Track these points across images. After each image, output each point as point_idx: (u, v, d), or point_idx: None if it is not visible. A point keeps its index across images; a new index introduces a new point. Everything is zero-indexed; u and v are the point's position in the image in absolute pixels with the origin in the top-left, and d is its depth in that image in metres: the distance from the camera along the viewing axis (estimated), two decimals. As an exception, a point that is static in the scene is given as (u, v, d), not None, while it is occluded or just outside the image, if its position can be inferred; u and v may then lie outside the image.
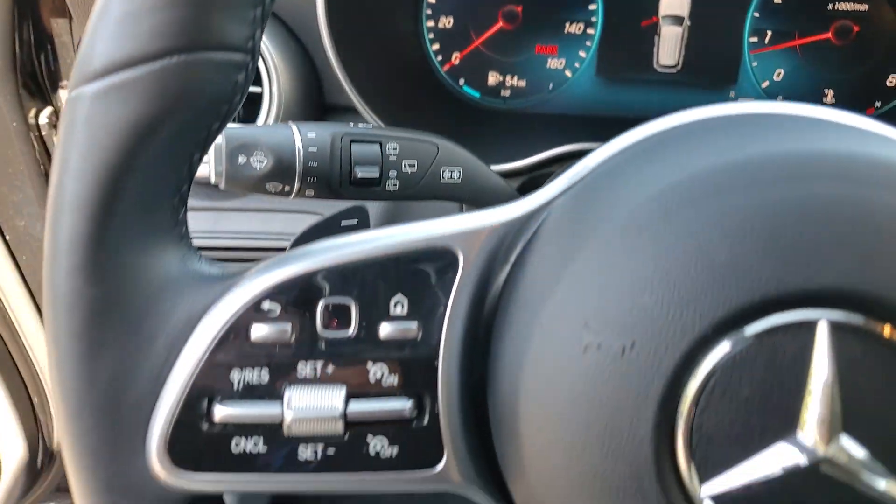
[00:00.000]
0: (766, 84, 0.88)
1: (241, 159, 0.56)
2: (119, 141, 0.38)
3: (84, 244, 0.39)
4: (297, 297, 0.42)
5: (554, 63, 0.88)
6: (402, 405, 0.43)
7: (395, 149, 0.60)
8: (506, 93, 0.89)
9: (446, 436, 0.43)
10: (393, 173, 0.60)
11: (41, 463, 1.31)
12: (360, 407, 0.42)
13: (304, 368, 0.42)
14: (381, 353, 0.43)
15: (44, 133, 1.17)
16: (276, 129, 0.58)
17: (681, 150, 0.41)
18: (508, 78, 0.88)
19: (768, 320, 0.36)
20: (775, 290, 0.35)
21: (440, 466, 0.44)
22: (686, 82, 0.87)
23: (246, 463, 0.43)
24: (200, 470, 0.42)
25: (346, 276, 0.43)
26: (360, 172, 0.59)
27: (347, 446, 0.43)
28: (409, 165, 0.61)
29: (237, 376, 0.42)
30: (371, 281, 0.43)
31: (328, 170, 0.58)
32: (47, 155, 1.19)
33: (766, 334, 0.36)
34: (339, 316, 0.43)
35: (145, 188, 0.40)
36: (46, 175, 1.18)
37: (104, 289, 0.40)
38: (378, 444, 0.43)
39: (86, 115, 0.38)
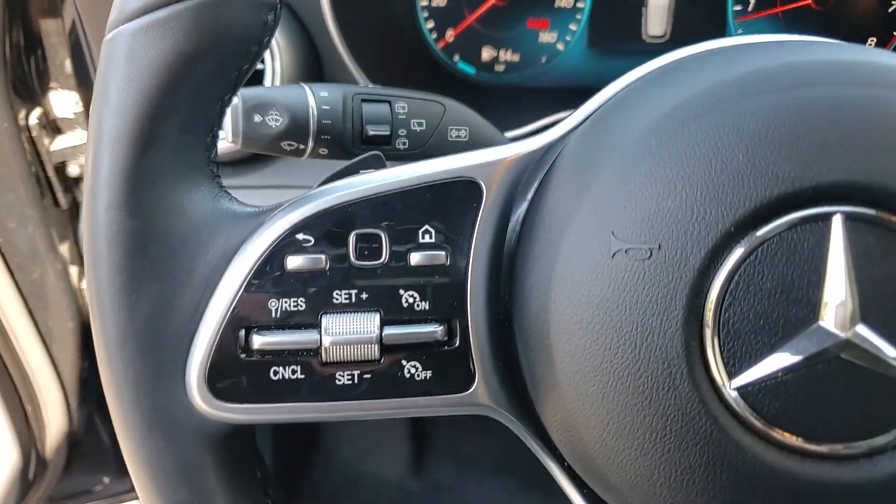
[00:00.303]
0: (751, 51, 0.90)
1: (257, 118, 0.58)
2: (159, 76, 0.40)
3: (124, 177, 0.40)
4: (330, 228, 0.44)
5: (546, 37, 0.90)
6: (434, 329, 0.44)
7: (403, 108, 0.62)
8: (500, 67, 0.91)
9: (476, 359, 0.45)
10: (402, 132, 0.62)
11: (33, 473, 1.30)
12: (395, 331, 0.44)
13: (340, 296, 0.44)
14: (411, 281, 0.44)
15: (34, 134, 1.18)
16: (289, 89, 0.59)
17: (693, 72, 0.43)
18: (502, 53, 0.91)
19: (786, 216, 0.38)
20: (791, 186, 0.37)
21: (471, 389, 0.45)
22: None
23: (284, 393, 0.44)
24: (239, 401, 0.44)
25: (376, 207, 0.44)
26: (371, 130, 0.60)
27: (383, 371, 0.44)
28: (418, 124, 0.62)
29: (274, 305, 0.43)
30: (399, 211, 0.44)
31: (341, 128, 0.60)
32: (38, 156, 1.19)
33: (784, 229, 0.38)
34: (370, 246, 0.44)
35: (181, 125, 0.41)
36: (37, 177, 1.19)
37: (143, 222, 0.41)
38: (412, 369, 0.44)
39: (126, 52, 0.40)
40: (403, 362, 0.44)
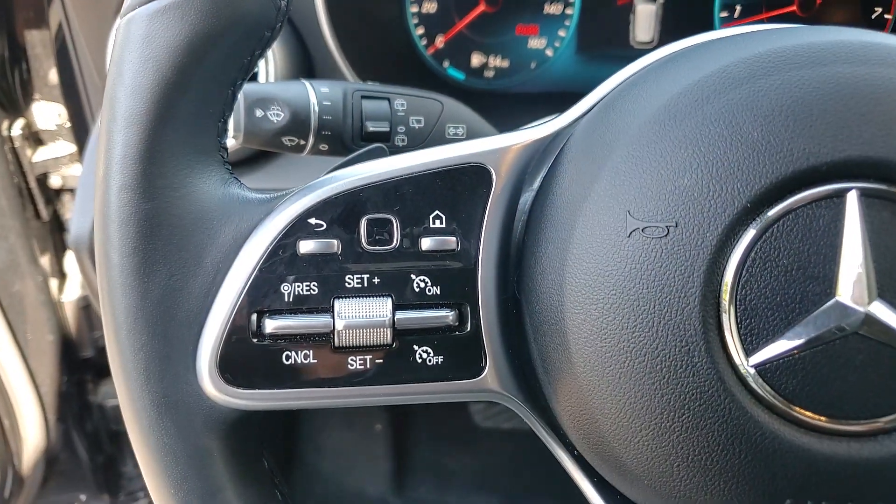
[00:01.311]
0: (736, 58, 0.92)
1: (259, 113, 0.58)
2: (176, 57, 0.40)
3: (138, 158, 0.40)
4: (342, 212, 0.44)
5: (535, 43, 0.91)
6: (446, 314, 0.44)
7: (402, 105, 0.62)
8: (489, 73, 0.92)
9: (487, 344, 0.45)
10: (401, 129, 0.62)
11: (10, 490, 1.28)
12: (407, 316, 0.44)
13: (352, 280, 0.44)
14: (422, 265, 0.44)
15: (17, 145, 1.17)
16: (290, 85, 0.59)
17: (703, 55, 0.44)
18: (492, 59, 0.91)
19: (802, 192, 0.38)
20: (806, 163, 0.38)
21: (482, 375, 0.45)
22: (662, 57, 0.90)
23: (296, 378, 0.44)
24: (250, 387, 0.43)
25: (387, 193, 0.44)
26: (371, 126, 0.61)
27: (395, 356, 0.44)
28: (417, 121, 0.63)
29: (287, 289, 0.43)
30: (410, 197, 0.44)
31: (341, 124, 0.60)
32: (20, 168, 1.18)
33: (800, 206, 0.38)
34: (381, 231, 0.44)
35: (195, 108, 0.41)
36: (19, 188, 1.18)
37: (156, 204, 0.41)
38: (424, 354, 0.44)
39: (143, 34, 0.40)
40: (415, 347, 0.44)
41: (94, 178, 0.83)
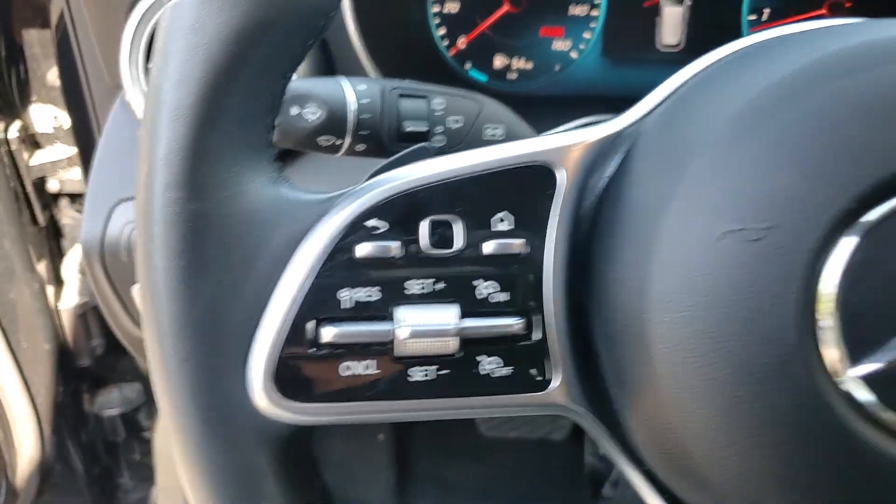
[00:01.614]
0: (764, 61, 0.90)
1: (294, 111, 0.55)
2: (227, 45, 0.37)
3: (185, 155, 0.37)
4: (402, 214, 0.41)
5: (559, 45, 0.89)
6: (513, 322, 0.42)
7: (441, 104, 0.60)
8: (512, 76, 0.90)
9: (556, 355, 0.42)
10: (439, 128, 0.60)
11: (3, 502, 1.25)
12: (473, 324, 0.41)
13: (414, 286, 0.41)
14: (488, 271, 0.42)
15: (13, 148, 1.14)
16: (326, 82, 0.57)
17: (794, 47, 0.41)
18: (515, 61, 0.89)
19: None
20: None
21: (550, 388, 0.43)
22: (689, 61, 0.88)
23: (355, 390, 0.41)
24: (306, 399, 0.40)
25: (449, 193, 0.42)
26: (409, 126, 0.58)
27: (460, 367, 0.41)
28: (455, 121, 0.60)
29: (345, 295, 0.40)
30: (473, 197, 0.42)
31: (379, 123, 0.57)
32: (16, 171, 1.15)
33: None
34: (441, 233, 0.42)
35: (244, 101, 0.38)
36: (15, 193, 1.14)
37: (204, 205, 0.38)
38: (489, 365, 0.42)
39: (192, 21, 0.37)
40: (480, 358, 0.42)
41: (104, 182, 0.80)
